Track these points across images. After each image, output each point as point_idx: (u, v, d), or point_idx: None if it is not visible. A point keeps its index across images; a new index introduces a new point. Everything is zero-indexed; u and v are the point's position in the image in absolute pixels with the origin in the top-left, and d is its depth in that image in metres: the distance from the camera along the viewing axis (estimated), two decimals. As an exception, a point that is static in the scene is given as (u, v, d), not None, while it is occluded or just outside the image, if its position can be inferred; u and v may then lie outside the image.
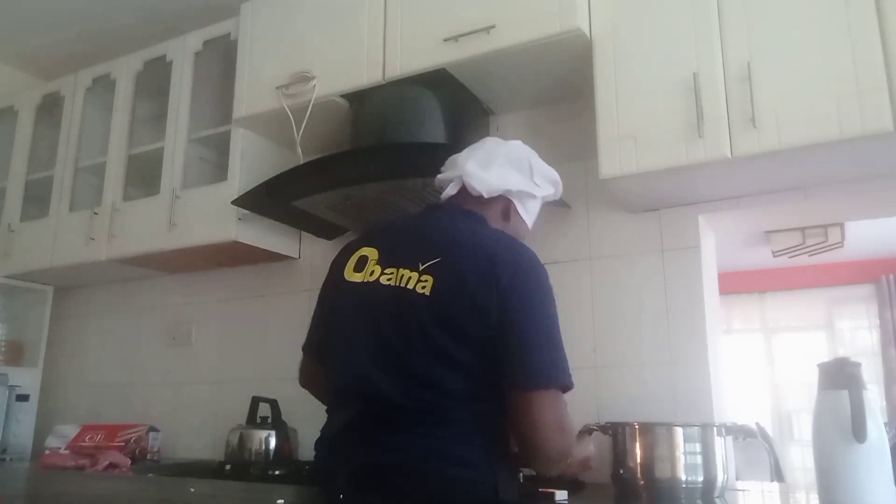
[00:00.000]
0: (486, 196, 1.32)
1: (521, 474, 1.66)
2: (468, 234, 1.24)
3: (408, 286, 1.17)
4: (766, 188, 1.80)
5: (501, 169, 1.34)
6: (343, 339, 1.26)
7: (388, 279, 1.21)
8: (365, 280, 1.24)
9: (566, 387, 1.14)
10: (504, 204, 1.36)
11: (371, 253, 1.27)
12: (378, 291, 1.21)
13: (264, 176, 2.09)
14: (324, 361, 1.34)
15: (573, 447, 1.21)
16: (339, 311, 1.29)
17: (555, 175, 1.44)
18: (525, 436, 1.13)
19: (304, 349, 1.46)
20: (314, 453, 1.27)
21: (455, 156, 1.40)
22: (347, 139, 2.13)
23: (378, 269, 1.23)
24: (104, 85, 2.75)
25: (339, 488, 1.14)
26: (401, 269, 1.20)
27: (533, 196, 1.39)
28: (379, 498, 1.09)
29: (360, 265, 1.27)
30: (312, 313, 1.42)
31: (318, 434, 1.27)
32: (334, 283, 1.32)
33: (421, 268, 1.17)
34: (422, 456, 1.11)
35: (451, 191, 1.36)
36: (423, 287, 1.16)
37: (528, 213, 1.40)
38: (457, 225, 1.26)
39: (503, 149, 1.39)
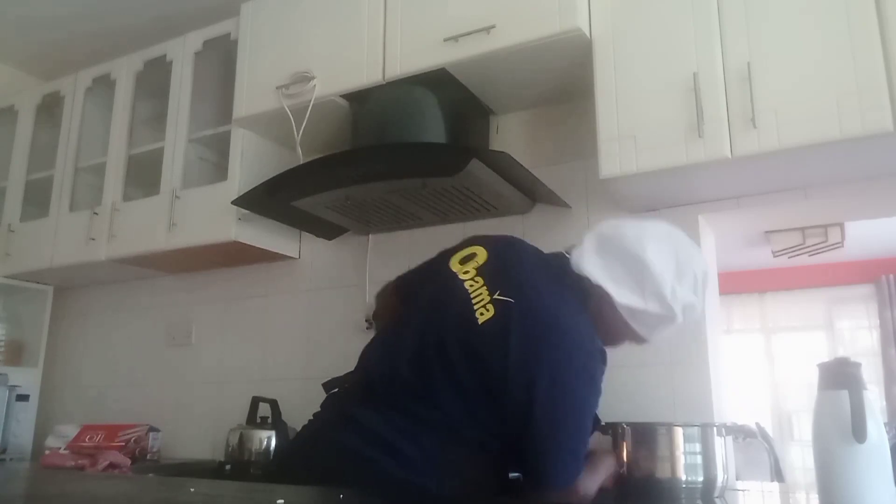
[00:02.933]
0: (586, 278, 1.26)
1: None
2: (555, 298, 1.21)
3: (475, 303, 1.18)
4: (766, 188, 1.80)
5: (614, 266, 1.26)
6: (409, 310, 1.31)
7: (471, 285, 1.22)
8: (458, 273, 1.26)
9: (570, 484, 1.16)
10: (601, 297, 1.26)
11: (481, 255, 1.28)
12: (458, 290, 1.22)
13: (264, 176, 2.09)
14: (401, 302, 1.40)
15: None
16: (428, 283, 1.33)
17: (690, 298, 1.28)
18: None
19: (398, 278, 1.49)
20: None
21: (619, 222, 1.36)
22: (347, 139, 2.13)
23: (473, 272, 1.24)
24: (104, 85, 2.75)
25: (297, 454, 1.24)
26: (484, 286, 1.21)
27: (645, 313, 1.27)
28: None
29: (466, 259, 1.29)
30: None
31: None
32: (442, 259, 1.35)
33: (494, 296, 1.18)
34: (366, 439, 1.13)
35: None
36: (483, 315, 1.16)
37: (638, 321, 1.29)
38: (554, 282, 1.24)
39: (634, 248, 1.26)
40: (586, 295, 1.26)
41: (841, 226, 4.39)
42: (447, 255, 1.35)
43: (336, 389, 1.31)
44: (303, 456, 1.21)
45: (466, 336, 1.15)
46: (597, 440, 1.56)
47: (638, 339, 1.35)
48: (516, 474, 1.65)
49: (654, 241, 1.26)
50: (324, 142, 2.24)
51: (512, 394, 1.11)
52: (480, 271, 1.24)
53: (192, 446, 2.56)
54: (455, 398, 1.14)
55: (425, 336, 1.20)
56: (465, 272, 1.25)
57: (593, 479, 1.31)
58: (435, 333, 1.19)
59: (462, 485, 1.17)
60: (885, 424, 1.12)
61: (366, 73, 2.01)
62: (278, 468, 1.30)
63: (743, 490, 1.75)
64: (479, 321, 1.15)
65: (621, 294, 1.25)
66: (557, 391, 1.13)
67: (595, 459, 1.37)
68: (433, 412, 1.14)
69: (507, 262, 1.27)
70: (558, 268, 1.29)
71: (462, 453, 1.16)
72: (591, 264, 1.26)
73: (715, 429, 1.52)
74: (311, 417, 1.31)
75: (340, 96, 2.09)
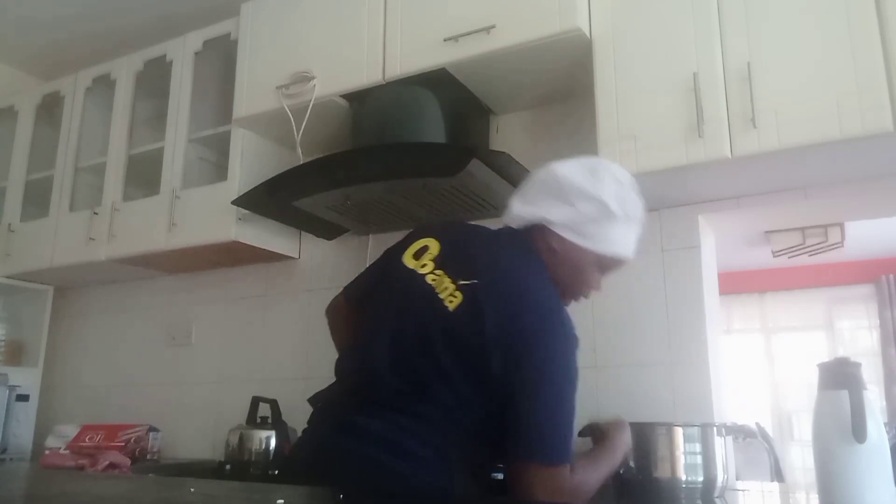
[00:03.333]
0: (519, 227, 1.31)
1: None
2: (515, 268, 1.22)
3: (440, 294, 1.19)
4: (766, 188, 1.80)
5: (536, 197, 1.31)
6: (373, 315, 1.29)
7: (433, 279, 1.22)
8: (416, 269, 1.26)
9: (552, 462, 1.09)
10: (543, 234, 1.29)
11: (433, 247, 1.28)
12: (421, 286, 1.22)
13: (264, 176, 2.09)
14: (355, 311, 1.39)
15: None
16: (383, 286, 1.32)
17: (616, 189, 1.29)
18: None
19: (344, 290, 1.47)
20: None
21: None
22: (347, 139, 2.13)
23: (431, 266, 1.25)
24: (104, 85, 2.75)
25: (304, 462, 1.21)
26: (446, 275, 1.21)
27: (583, 220, 1.27)
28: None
29: (419, 254, 1.28)
30: (366, 268, 1.46)
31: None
32: (391, 258, 1.34)
33: (458, 283, 1.19)
34: (374, 443, 1.12)
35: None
36: (451, 301, 1.17)
37: (589, 237, 1.28)
38: (508, 251, 1.26)
39: (546, 175, 1.33)
40: (534, 246, 1.28)
41: (841, 226, 4.39)
42: (396, 252, 1.33)
43: (320, 405, 1.30)
44: (310, 465, 1.19)
45: (443, 325, 1.15)
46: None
47: (601, 264, 1.31)
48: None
49: (561, 164, 1.33)
50: (324, 142, 2.24)
51: (492, 370, 1.11)
52: (438, 263, 1.24)
53: (192, 446, 2.56)
54: (447, 390, 1.13)
55: (403, 340, 1.19)
56: (423, 266, 1.25)
57: (613, 455, 1.32)
58: (413, 334, 1.18)
59: (472, 480, 1.17)
60: (885, 424, 1.13)
61: (366, 73, 2.01)
62: (287, 479, 1.28)
63: (743, 490, 1.75)
64: (451, 308, 1.16)
65: (552, 213, 1.27)
66: (536, 359, 1.11)
67: (611, 434, 1.37)
68: (432, 409, 1.14)
69: (462, 246, 1.28)
70: (507, 236, 1.31)
71: (469, 446, 1.15)
72: (519, 209, 1.31)
73: (715, 429, 1.53)
74: (306, 428, 1.29)
75: (340, 96, 2.09)
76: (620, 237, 1.30)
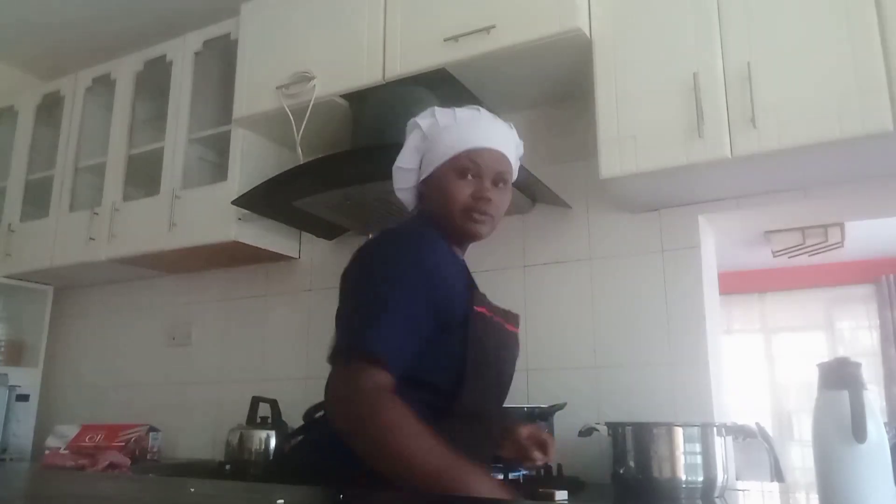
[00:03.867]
0: (404, 198, 1.29)
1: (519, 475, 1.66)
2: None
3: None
4: (766, 188, 1.80)
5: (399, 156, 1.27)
6: None
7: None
8: None
9: (342, 356, 1.02)
10: (414, 196, 1.28)
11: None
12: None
13: (264, 176, 2.09)
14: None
15: (365, 417, 0.96)
16: None
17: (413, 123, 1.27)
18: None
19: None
20: None
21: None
22: (347, 139, 2.13)
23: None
24: (104, 85, 2.75)
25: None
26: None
27: (410, 154, 1.25)
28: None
29: None
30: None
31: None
32: None
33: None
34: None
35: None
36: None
37: (426, 162, 1.23)
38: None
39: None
40: (420, 211, 1.27)
41: (841, 226, 4.39)
42: None
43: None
44: (303, 462, 1.17)
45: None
46: (597, 440, 1.56)
47: (456, 170, 1.19)
48: (518, 473, 1.66)
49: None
50: (324, 142, 2.24)
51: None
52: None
53: (192, 446, 2.56)
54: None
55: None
56: None
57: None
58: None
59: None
60: (885, 424, 1.12)
61: (366, 73, 2.01)
62: (285, 475, 1.25)
63: (743, 490, 1.75)
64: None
65: (397, 178, 1.27)
66: (353, 274, 1.13)
67: (510, 444, 1.29)
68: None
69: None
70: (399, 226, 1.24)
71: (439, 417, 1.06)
72: (396, 184, 1.29)
73: (715, 429, 1.52)
74: (299, 440, 1.27)
75: (340, 96, 2.09)
76: (450, 139, 1.21)
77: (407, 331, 1.04)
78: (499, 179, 1.22)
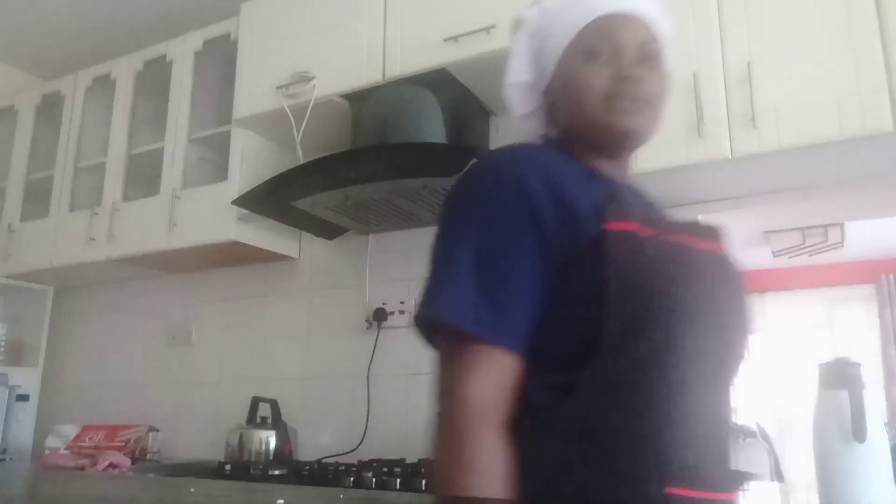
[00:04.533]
0: (529, 129, 0.98)
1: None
2: None
3: None
4: (766, 188, 1.80)
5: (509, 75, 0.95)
6: None
7: None
8: None
9: (435, 323, 0.78)
10: (541, 116, 0.96)
11: None
12: None
13: (264, 176, 2.09)
14: None
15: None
16: None
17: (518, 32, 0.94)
18: None
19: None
20: None
21: None
22: (347, 139, 2.13)
23: None
24: (104, 85, 2.75)
25: None
26: None
27: (524, 57, 0.93)
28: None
29: None
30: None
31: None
32: None
33: None
34: None
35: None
36: None
37: (552, 52, 0.90)
38: None
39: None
40: (546, 132, 0.97)
41: (841, 226, 4.39)
42: None
43: None
44: None
45: None
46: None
47: (585, 52, 0.87)
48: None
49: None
50: (324, 142, 2.24)
51: None
52: None
53: (192, 446, 2.56)
54: None
55: None
56: None
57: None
58: None
59: None
60: (885, 424, 1.13)
61: (366, 73, 2.01)
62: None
63: (743, 490, 1.75)
64: None
65: (517, 102, 0.97)
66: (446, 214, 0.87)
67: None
68: None
69: None
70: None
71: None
72: (514, 111, 0.98)
73: (715, 429, 1.52)
74: None
75: (340, 96, 2.09)
76: (568, 16, 0.89)
77: (521, 292, 0.76)
78: (644, 56, 0.87)
